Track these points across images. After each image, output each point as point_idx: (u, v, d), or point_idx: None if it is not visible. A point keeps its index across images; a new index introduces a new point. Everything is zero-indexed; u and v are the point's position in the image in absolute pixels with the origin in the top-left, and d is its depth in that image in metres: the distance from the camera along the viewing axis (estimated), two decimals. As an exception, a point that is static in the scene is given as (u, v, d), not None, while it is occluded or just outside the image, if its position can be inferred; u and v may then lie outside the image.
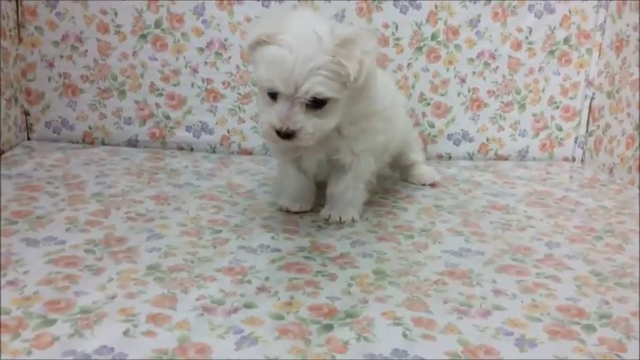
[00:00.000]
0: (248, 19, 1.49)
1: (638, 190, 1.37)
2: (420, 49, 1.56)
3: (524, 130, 1.64)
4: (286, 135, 0.93)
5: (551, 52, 1.59)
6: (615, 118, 1.50)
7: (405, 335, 0.73)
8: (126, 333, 0.70)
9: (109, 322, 0.71)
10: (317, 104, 0.92)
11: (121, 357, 0.65)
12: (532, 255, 0.98)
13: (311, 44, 0.89)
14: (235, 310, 0.76)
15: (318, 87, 0.90)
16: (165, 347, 0.67)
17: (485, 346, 0.71)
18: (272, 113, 0.93)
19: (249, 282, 0.84)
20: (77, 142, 1.52)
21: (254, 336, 0.71)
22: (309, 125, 0.93)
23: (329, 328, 0.74)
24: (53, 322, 0.70)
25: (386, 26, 1.53)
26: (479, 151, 1.64)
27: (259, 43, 0.92)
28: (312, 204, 1.14)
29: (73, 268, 0.84)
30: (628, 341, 0.74)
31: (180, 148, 1.55)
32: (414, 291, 0.84)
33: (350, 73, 0.90)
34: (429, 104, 1.60)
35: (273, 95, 0.93)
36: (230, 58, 1.51)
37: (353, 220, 1.09)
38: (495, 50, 1.58)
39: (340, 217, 1.09)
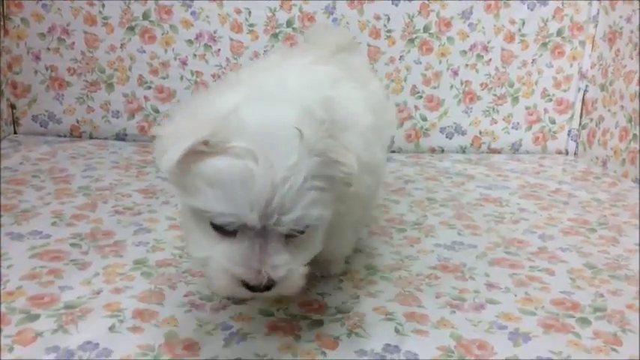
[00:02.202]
0: (238, 12, 1.47)
1: (631, 183, 1.36)
2: (412, 41, 1.54)
3: (517, 123, 1.63)
4: (266, 287, 0.57)
5: (544, 45, 1.58)
6: (609, 110, 1.50)
7: (397, 330, 0.71)
8: (111, 329, 0.68)
9: (94, 317, 0.70)
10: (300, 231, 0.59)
11: (106, 353, 0.63)
12: (526, 248, 0.97)
13: (288, 144, 0.56)
14: (224, 307, 0.74)
15: (315, 210, 0.57)
16: (151, 343, 0.66)
17: (479, 341, 0.70)
18: (232, 257, 0.57)
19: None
20: (64, 136, 1.50)
21: (243, 332, 0.69)
22: (298, 265, 0.60)
23: (319, 323, 0.72)
24: (36, 317, 0.69)
25: (377, 18, 1.51)
26: (471, 145, 1.63)
27: (195, 153, 0.55)
28: None
29: (58, 263, 0.82)
30: (623, 334, 0.72)
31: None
32: (406, 285, 0.83)
33: (349, 172, 0.60)
34: (421, 97, 1.59)
35: (229, 228, 0.57)
36: (219, 50, 1.49)
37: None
38: (488, 42, 1.57)
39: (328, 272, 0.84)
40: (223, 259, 0.57)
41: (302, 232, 0.59)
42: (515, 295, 0.81)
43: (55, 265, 0.81)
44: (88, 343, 0.65)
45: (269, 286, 0.57)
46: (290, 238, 0.58)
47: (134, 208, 1.05)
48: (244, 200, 0.54)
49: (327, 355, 0.66)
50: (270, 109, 0.59)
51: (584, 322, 0.75)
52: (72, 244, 0.88)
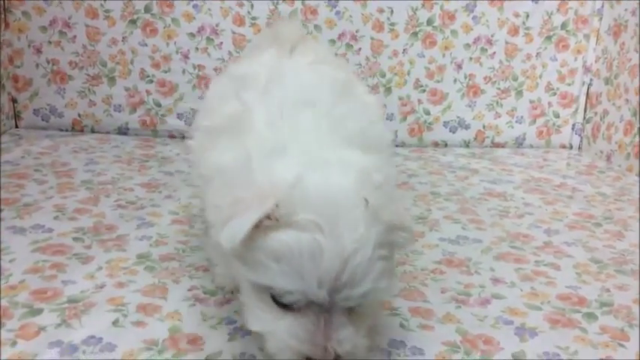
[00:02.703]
0: (241, 5, 1.46)
1: (636, 177, 1.35)
2: (415, 34, 1.53)
3: (521, 117, 1.63)
4: None
5: (549, 38, 1.57)
6: (613, 104, 1.49)
7: (402, 325, 0.71)
8: (115, 323, 0.67)
9: (97, 311, 0.69)
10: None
11: (110, 347, 0.63)
12: (531, 242, 0.97)
13: (354, 214, 0.53)
14: (228, 301, 0.74)
15: (382, 281, 0.54)
16: (155, 338, 0.65)
17: (485, 336, 0.69)
18: (297, 333, 0.54)
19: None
20: (66, 130, 1.49)
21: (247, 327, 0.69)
22: (362, 336, 0.57)
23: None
24: (39, 311, 0.68)
25: (381, 11, 1.50)
26: (475, 139, 1.62)
27: (259, 227, 0.53)
28: None
29: (61, 257, 0.82)
30: (630, 329, 0.72)
31: (172, 136, 1.52)
32: (411, 280, 0.82)
33: (410, 237, 0.59)
34: (424, 91, 1.58)
35: (289, 302, 0.54)
36: (222, 43, 1.48)
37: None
38: (492, 36, 1.56)
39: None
40: (287, 336, 0.54)
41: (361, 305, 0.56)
42: (521, 290, 0.81)
43: (57, 259, 0.81)
44: (92, 337, 0.64)
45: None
46: (352, 308, 0.56)
47: (137, 202, 1.04)
48: (312, 276, 0.51)
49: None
50: (330, 176, 0.55)
51: (591, 317, 0.75)
52: (74, 238, 0.88)
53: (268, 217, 0.52)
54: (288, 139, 0.60)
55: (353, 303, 0.54)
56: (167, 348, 0.64)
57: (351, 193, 0.54)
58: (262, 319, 0.56)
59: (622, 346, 0.69)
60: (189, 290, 0.76)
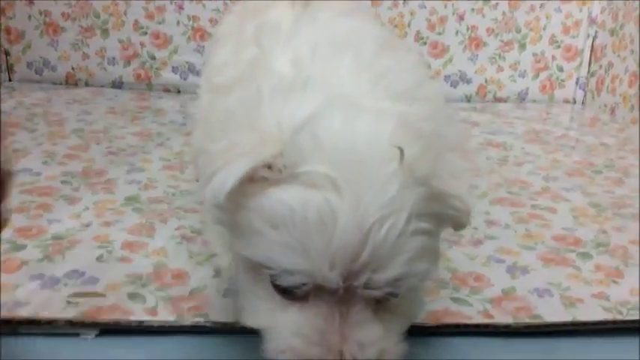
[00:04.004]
0: (236, -47, 1.42)
1: (640, 128, 1.33)
2: (416, -16, 1.49)
3: (524, 71, 1.59)
4: None
5: (554, -12, 1.53)
6: (618, 55, 1.45)
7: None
8: (99, 259, 0.66)
9: (82, 248, 0.68)
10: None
11: (92, 281, 0.62)
12: (528, 188, 0.95)
13: (385, 170, 0.39)
14: (216, 239, 0.73)
15: (420, 264, 0.41)
16: (140, 272, 0.64)
17: (475, 273, 0.68)
18: (303, 332, 0.41)
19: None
20: (60, 84, 1.47)
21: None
22: (392, 341, 0.43)
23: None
24: (23, 247, 0.67)
25: (380, -40, 1.46)
26: (477, 93, 1.59)
27: (255, 181, 0.41)
28: None
29: (48, 198, 0.80)
30: (625, 267, 0.70)
31: (167, 90, 1.49)
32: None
33: (464, 208, 0.43)
34: (425, 43, 1.54)
35: (299, 291, 0.42)
36: (217, -7, 1.45)
37: None
38: (495, -15, 1.51)
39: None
40: (289, 334, 0.41)
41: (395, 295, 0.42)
42: (515, 232, 0.79)
43: (44, 200, 0.80)
44: (75, 271, 0.63)
45: None
46: (381, 301, 0.42)
47: (128, 149, 1.02)
48: (322, 252, 0.38)
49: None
50: (357, 119, 0.41)
51: (586, 256, 0.73)
52: (63, 182, 0.86)
53: (269, 166, 0.40)
54: (314, 74, 0.45)
55: (379, 293, 0.40)
56: (151, 282, 0.63)
57: (382, 143, 0.39)
58: (260, 310, 0.43)
59: (616, 282, 0.67)
60: (176, 229, 0.75)
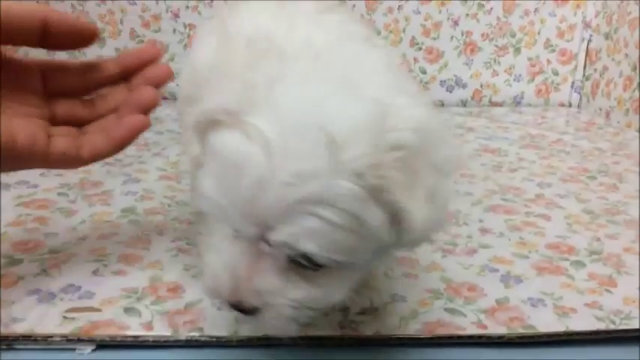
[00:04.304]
0: (231, -40, 1.43)
1: (635, 132, 1.33)
2: (410, -10, 1.50)
3: (520, 75, 1.60)
4: (241, 310, 0.46)
5: (548, -8, 1.54)
6: (612, 59, 1.45)
7: (386, 275, 0.70)
8: (95, 272, 0.67)
9: (78, 261, 0.69)
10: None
11: (88, 295, 0.62)
12: (522, 195, 0.95)
13: (317, 146, 0.39)
14: (212, 251, 0.73)
15: (307, 242, 0.41)
16: (135, 286, 0.64)
17: (469, 283, 0.68)
18: (222, 258, 0.45)
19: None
20: (57, 92, 1.47)
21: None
22: (291, 297, 0.45)
23: (308, 267, 0.71)
24: (20, 261, 0.68)
25: (375, -34, 1.47)
26: (472, 98, 1.60)
27: (214, 123, 0.43)
28: None
29: (45, 211, 0.81)
30: (619, 276, 0.71)
31: (164, 98, 1.49)
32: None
33: (413, 226, 0.41)
34: (420, 49, 1.55)
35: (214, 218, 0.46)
36: (212, 1, 1.45)
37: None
38: (489, -9, 1.52)
39: (369, 301, 0.64)
40: (214, 259, 0.46)
41: (315, 265, 0.43)
42: (509, 240, 0.79)
43: (41, 213, 0.80)
44: (71, 285, 0.63)
45: (248, 310, 0.45)
46: (297, 263, 0.43)
47: (124, 159, 1.03)
48: (234, 195, 0.41)
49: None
50: (320, 90, 0.41)
51: (579, 264, 0.73)
52: (59, 194, 0.87)
53: (227, 112, 0.42)
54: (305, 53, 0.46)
55: (281, 242, 0.41)
56: (147, 295, 0.63)
57: (331, 122, 0.39)
58: (206, 244, 0.47)
59: (609, 291, 0.67)
60: (172, 242, 0.75)
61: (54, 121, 0.58)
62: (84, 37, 0.56)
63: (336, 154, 0.39)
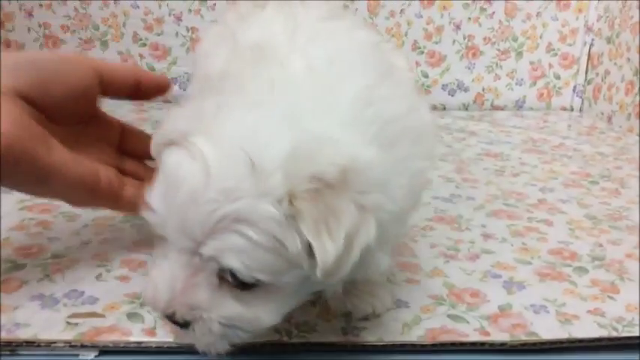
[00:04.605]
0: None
1: (636, 137, 1.33)
2: (413, -6, 1.50)
3: (522, 79, 1.60)
4: (175, 322, 0.47)
5: (550, -4, 1.54)
6: (615, 63, 1.45)
7: (388, 280, 0.70)
8: (98, 277, 0.67)
9: (81, 266, 0.69)
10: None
11: (91, 300, 0.62)
12: (525, 200, 0.95)
13: (239, 168, 0.42)
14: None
15: (230, 258, 0.43)
16: (138, 291, 0.64)
17: (472, 289, 0.68)
18: (162, 271, 0.47)
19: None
20: (60, 95, 1.48)
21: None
22: (220, 314, 0.46)
23: (311, 272, 0.71)
24: (23, 266, 0.68)
25: (377, -30, 1.47)
26: (474, 102, 1.60)
27: (167, 143, 0.47)
28: None
29: (47, 215, 0.81)
30: (621, 282, 0.71)
31: (167, 101, 1.49)
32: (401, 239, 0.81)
33: (319, 261, 0.42)
34: (422, 53, 1.55)
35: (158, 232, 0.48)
36: (215, 5, 1.46)
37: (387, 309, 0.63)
38: (491, -6, 1.52)
39: (372, 308, 0.62)
40: (155, 273, 0.48)
41: (242, 284, 0.45)
42: (512, 245, 0.79)
43: (44, 217, 0.80)
44: (74, 290, 0.64)
45: (180, 323, 0.47)
46: (233, 286, 0.46)
47: (127, 163, 1.03)
48: (169, 209, 0.44)
49: (316, 305, 0.64)
50: (260, 119, 0.45)
51: (582, 270, 0.73)
52: (62, 198, 0.87)
53: (180, 136, 0.45)
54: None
55: (218, 267, 0.44)
56: (149, 301, 0.63)
57: (258, 145, 0.43)
58: (152, 259, 0.50)
59: (611, 298, 0.67)
60: (174, 246, 0.75)
61: (122, 173, 0.68)
62: (161, 89, 0.71)
63: (260, 178, 0.42)
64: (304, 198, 0.42)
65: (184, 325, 0.47)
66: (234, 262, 0.43)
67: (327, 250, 0.42)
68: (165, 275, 0.46)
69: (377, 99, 0.50)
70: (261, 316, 0.48)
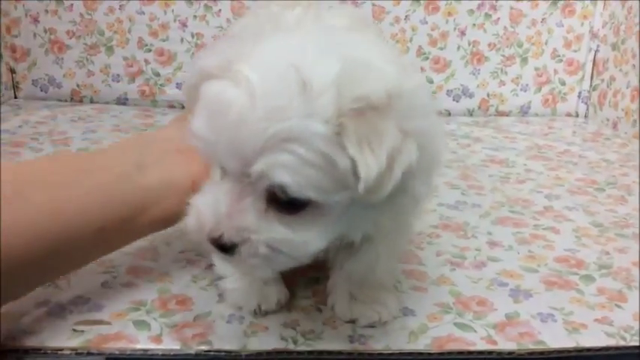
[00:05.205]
0: (239, -30, 1.43)
1: (642, 144, 1.33)
2: (417, 0, 1.50)
3: (527, 85, 1.59)
4: (221, 246, 0.48)
5: (555, 3, 1.53)
6: (620, 70, 1.45)
7: (395, 288, 0.70)
8: (104, 284, 0.67)
9: (87, 274, 0.68)
10: (290, 202, 0.47)
11: (97, 308, 0.62)
12: (531, 207, 0.95)
13: (288, 88, 0.44)
14: (220, 263, 0.73)
15: (282, 174, 0.44)
16: (144, 298, 0.65)
17: (478, 297, 0.68)
18: (207, 198, 0.49)
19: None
20: (65, 101, 1.48)
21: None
22: (267, 236, 0.48)
23: (316, 280, 0.70)
24: (28, 274, 0.68)
25: (382, -24, 1.47)
26: (479, 108, 1.59)
27: (205, 78, 0.48)
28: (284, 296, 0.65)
29: (53, 222, 0.81)
30: (629, 291, 0.70)
31: (172, 107, 1.50)
32: (407, 244, 0.81)
33: (361, 176, 0.44)
34: (427, 58, 1.55)
35: (206, 160, 0.52)
36: (220, 11, 1.46)
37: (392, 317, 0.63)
38: (496, 1, 1.52)
39: (378, 316, 0.62)
40: (200, 200, 0.49)
41: (292, 207, 0.47)
42: (518, 253, 0.79)
43: (49, 224, 0.80)
44: (80, 297, 0.64)
45: (225, 246, 0.48)
46: (277, 205, 0.47)
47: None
48: (215, 128, 0.46)
49: (322, 312, 0.64)
50: (303, 43, 0.47)
51: (589, 279, 0.73)
52: (68, 204, 0.87)
53: (218, 69, 0.47)
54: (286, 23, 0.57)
55: (260, 182, 0.46)
56: (155, 308, 0.63)
57: (304, 68, 0.44)
58: (202, 191, 0.51)
59: (619, 307, 0.67)
60: (180, 252, 0.75)
61: None
62: None
63: (310, 97, 0.44)
64: (350, 116, 0.44)
65: (230, 248, 0.48)
66: (285, 178, 0.44)
67: (369, 166, 0.43)
68: (210, 201, 0.48)
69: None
70: (308, 240, 0.49)
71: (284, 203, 0.47)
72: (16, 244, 0.50)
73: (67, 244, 0.55)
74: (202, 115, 0.47)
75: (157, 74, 1.49)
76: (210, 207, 0.48)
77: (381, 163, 0.44)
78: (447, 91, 1.57)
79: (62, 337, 0.57)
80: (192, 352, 0.57)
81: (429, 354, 0.58)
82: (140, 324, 0.60)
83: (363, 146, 0.44)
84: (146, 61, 1.48)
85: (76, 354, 0.55)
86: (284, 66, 0.45)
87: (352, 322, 0.62)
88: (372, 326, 0.62)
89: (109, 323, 0.60)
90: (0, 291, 0.50)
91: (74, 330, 0.58)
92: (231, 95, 0.45)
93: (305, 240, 0.49)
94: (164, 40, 1.47)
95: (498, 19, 1.53)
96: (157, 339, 0.58)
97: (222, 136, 0.45)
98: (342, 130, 0.44)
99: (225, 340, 0.59)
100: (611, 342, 0.61)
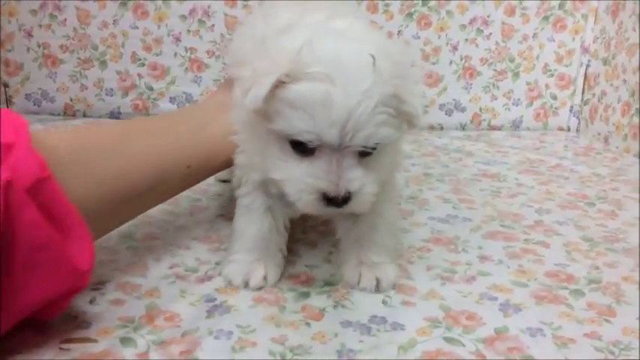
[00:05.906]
0: (232, -14, 1.44)
1: (633, 158, 1.33)
2: (410, 15, 1.51)
3: (518, 100, 1.61)
4: (343, 200, 0.62)
5: (546, 18, 1.55)
6: (611, 85, 1.46)
7: (384, 302, 0.70)
8: (92, 302, 0.66)
9: (74, 290, 0.68)
10: (366, 152, 0.63)
11: (85, 325, 0.62)
12: (521, 221, 0.95)
13: (365, 72, 0.60)
14: (209, 278, 0.73)
15: (384, 130, 0.61)
16: (132, 315, 0.64)
17: (468, 312, 0.68)
18: (313, 173, 0.62)
19: (226, 250, 0.81)
20: (58, 115, 1.48)
21: (227, 304, 0.68)
22: (370, 181, 0.64)
23: (305, 295, 0.70)
24: (16, 290, 0.67)
25: (375, -8, 1.48)
26: (471, 122, 1.60)
27: (278, 86, 0.60)
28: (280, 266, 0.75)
29: (42, 237, 0.81)
30: (618, 306, 0.70)
31: (166, 119, 1.50)
32: (397, 258, 0.80)
33: (414, 113, 0.63)
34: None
35: (306, 148, 0.62)
36: (214, 26, 1.47)
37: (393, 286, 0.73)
38: (488, 16, 1.53)
39: (378, 280, 0.72)
40: (304, 176, 0.62)
41: (373, 150, 0.63)
42: (508, 268, 0.79)
43: (38, 239, 0.80)
44: (67, 315, 0.63)
45: (346, 198, 0.62)
46: (362, 157, 0.63)
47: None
48: (324, 119, 0.59)
49: (311, 327, 0.64)
50: (344, 43, 0.62)
51: (578, 293, 0.73)
52: (58, 219, 0.87)
53: (287, 75, 0.59)
54: (302, 18, 0.71)
55: (359, 147, 0.61)
56: (143, 325, 0.63)
57: (363, 55, 0.60)
58: (283, 167, 0.64)
59: (608, 321, 0.67)
60: (169, 268, 0.75)
61: None
62: None
63: (380, 72, 0.60)
64: (398, 77, 0.62)
65: (345, 200, 0.63)
66: (384, 132, 0.62)
67: (418, 103, 0.64)
68: (315, 172, 0.62)
69: None
70: (383, 175, 0.68)
71: (364, 153, 0.63)
72: (144, 170, 0.70)
73: (168, 175, 0.74)
74: (300, 114, 0.60)
75: (151, 88, 1.49)
76: (324, 178, 0.62)
77: (423, 102, 0.67)
78: (440, 105, 1.59)
79: (48, 355, 0.56)
80: (179, 369, 0.56)
81: (418, 370, 0.58)
82: (127, 341, 0.59)
83: (411, 95, 0.63)
84: (139, 76, 1.49)
85: (62, 371, 0.55)
86: (351, 57, 0.60)
87: (341, 339, 0.62)
88: (361, 341, 0.61)
89: (95, 341, 0.59)
90: (120, 214, 0.72)
91: (60, 348, 0.58)
92: (326, 91, 0.59)
93: (384, 173, 0.68)
94: (157, 55, 1.48)
95: (490, 34, 1.54)
96: (144, 356, 0.57)
97: (329, 122, 0.59)
98: (396, 88, 0.61)
99: (213, 355, 0.58)
100: (600, 357, 0.61)
